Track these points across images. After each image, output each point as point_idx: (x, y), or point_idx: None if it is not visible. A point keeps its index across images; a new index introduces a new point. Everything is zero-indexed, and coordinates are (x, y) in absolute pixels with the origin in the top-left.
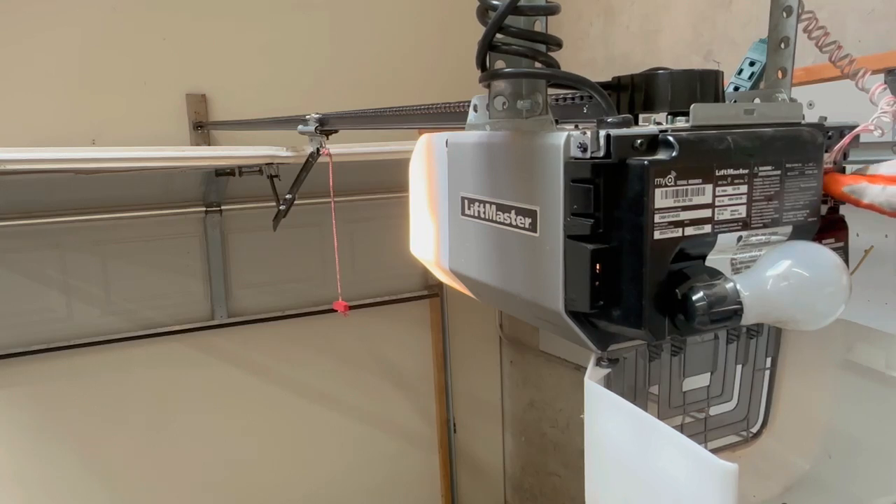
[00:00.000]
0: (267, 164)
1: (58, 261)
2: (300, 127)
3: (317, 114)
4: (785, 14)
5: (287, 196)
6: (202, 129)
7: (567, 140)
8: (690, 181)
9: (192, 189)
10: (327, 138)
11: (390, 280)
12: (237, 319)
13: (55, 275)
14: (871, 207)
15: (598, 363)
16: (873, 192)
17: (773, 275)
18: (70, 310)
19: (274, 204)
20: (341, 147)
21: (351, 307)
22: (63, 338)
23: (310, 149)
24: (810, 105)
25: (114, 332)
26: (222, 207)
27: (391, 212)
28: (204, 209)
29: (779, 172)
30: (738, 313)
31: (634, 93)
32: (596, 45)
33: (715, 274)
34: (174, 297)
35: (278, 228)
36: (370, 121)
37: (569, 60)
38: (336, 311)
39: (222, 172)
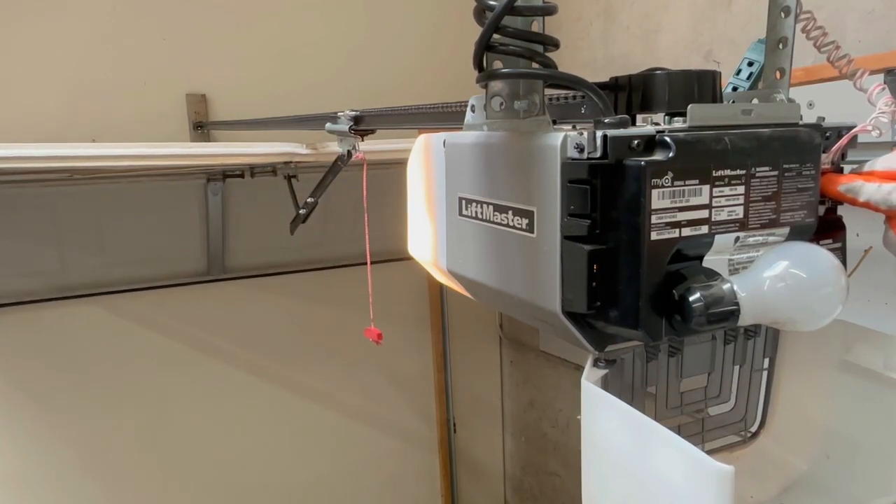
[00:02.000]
0: (285, 162)
1: (51, 218)
2: (329, 125)
3: (351, 111)
4: (783, 14)
5: (309, 200)
6: (202, 129)
7: (564, 141)
8: (687, 182)
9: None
10: (362, 139)
11: (391, 240)
12: (233, 275)
13: (48, 230)
14: (867, 206)
15: (596, 364)
16: (869, 191)
17: (770, 276)
18: (63, 263)
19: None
20: (371, 144)
21: (351, 265)
22: (55, 290)
23: (340, 149)
24: (810, 105)
25: (107, 284)
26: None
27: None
28: (206, 177)
29: (776, 173)
30: (734, 314)
31: (632, 93)
32: (595, 46)
33: (712, 275)
34: (170, 253)
35: (276, 189)
36: (415, 119)
37: (568, 61)
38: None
39: (231, 174)
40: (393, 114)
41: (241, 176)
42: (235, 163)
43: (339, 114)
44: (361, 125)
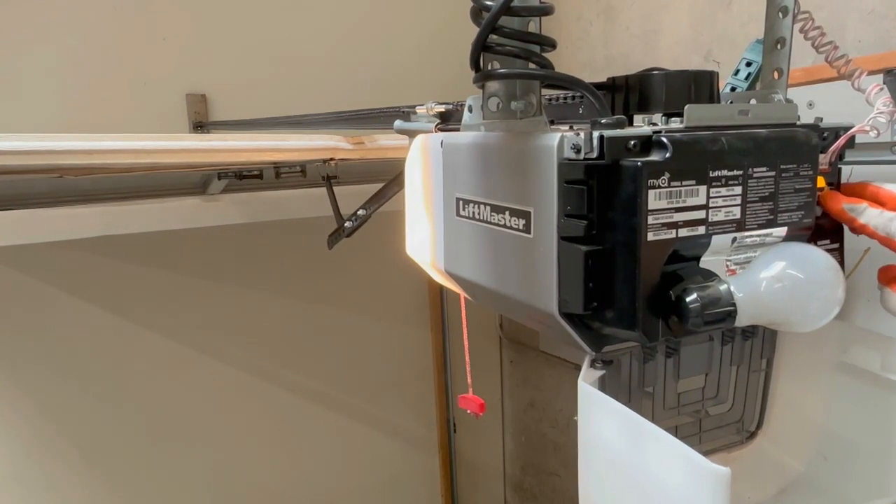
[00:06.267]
0: (323, 161)
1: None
2: (399, 123)
3: (436, 103)
4: (781, 14)
5: (360, 212)
6: (202, 128)
7: (560, 141)
8: (684, 182)
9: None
10: None
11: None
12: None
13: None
14: (864, 228)
15: (593, 365)
16: (871, 214)
17: (767, 276)
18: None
19: None
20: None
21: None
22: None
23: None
24: (810, 105)
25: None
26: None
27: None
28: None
29: (773, 174)
30: (731, 315)
31: (629, 93)
32: (595, 46)
33: (709, 275)
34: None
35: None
36: None
37: (568, 60)
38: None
39: (248, 174)
40: None
41: (260, 176)
42: (262, 161)
43: (418, 107)
44: (451, 122)
